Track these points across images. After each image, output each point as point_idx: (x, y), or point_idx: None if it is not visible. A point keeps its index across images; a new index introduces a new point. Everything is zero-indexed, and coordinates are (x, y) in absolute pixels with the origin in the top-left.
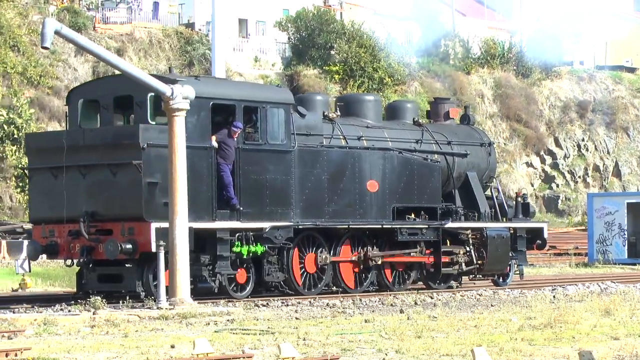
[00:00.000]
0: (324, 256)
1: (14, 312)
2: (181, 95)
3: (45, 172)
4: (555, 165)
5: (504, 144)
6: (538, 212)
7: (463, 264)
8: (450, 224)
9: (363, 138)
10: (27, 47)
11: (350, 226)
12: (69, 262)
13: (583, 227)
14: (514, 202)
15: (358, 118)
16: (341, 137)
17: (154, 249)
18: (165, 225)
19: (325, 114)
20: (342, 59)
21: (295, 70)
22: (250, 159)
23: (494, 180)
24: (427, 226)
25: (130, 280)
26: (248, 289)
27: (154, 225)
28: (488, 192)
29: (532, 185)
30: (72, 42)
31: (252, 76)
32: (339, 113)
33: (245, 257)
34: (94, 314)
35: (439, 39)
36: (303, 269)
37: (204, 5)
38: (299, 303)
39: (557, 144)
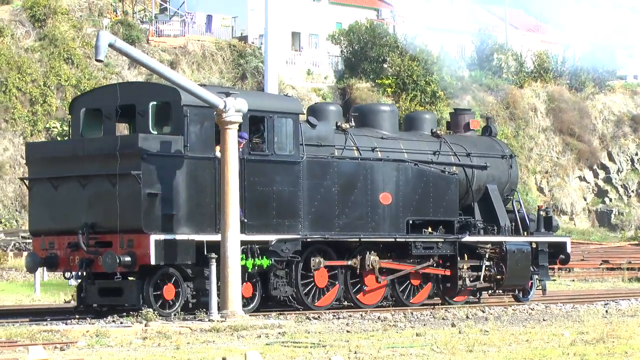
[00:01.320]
0: (317, 260)
1: (66, 324)
2: (234, 108)
3: (45, 183)
4: (608, 180)
5: (557, 157)
6: (591, 227)
7: (467, 279)
8: (467, 238)
9: (377, 149)
10: (81, 60)
11: (361, 239)
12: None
13: (636, 242)
14: (536, 216)
15: (373, 129)
16: (354, 148)
17: (153, 262)
18: (166, 237)
19: (338, 124)
20: (394, 72)
21: (348, 83)
22: (257, 170)
23: (516, 193)
24: (442, 240)
25: (131, 293)
26: (254, 303)
27: (154, 238)
28: (509, 206)
29: (585, 200)
30: (125, 54)
31: (304, 89)
32: (352, 123)
33: (249, 270)
34: (145, 325)
35: (492, 52)
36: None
37: (257, 19)
38: (350, 316)
39: (611, 158)
